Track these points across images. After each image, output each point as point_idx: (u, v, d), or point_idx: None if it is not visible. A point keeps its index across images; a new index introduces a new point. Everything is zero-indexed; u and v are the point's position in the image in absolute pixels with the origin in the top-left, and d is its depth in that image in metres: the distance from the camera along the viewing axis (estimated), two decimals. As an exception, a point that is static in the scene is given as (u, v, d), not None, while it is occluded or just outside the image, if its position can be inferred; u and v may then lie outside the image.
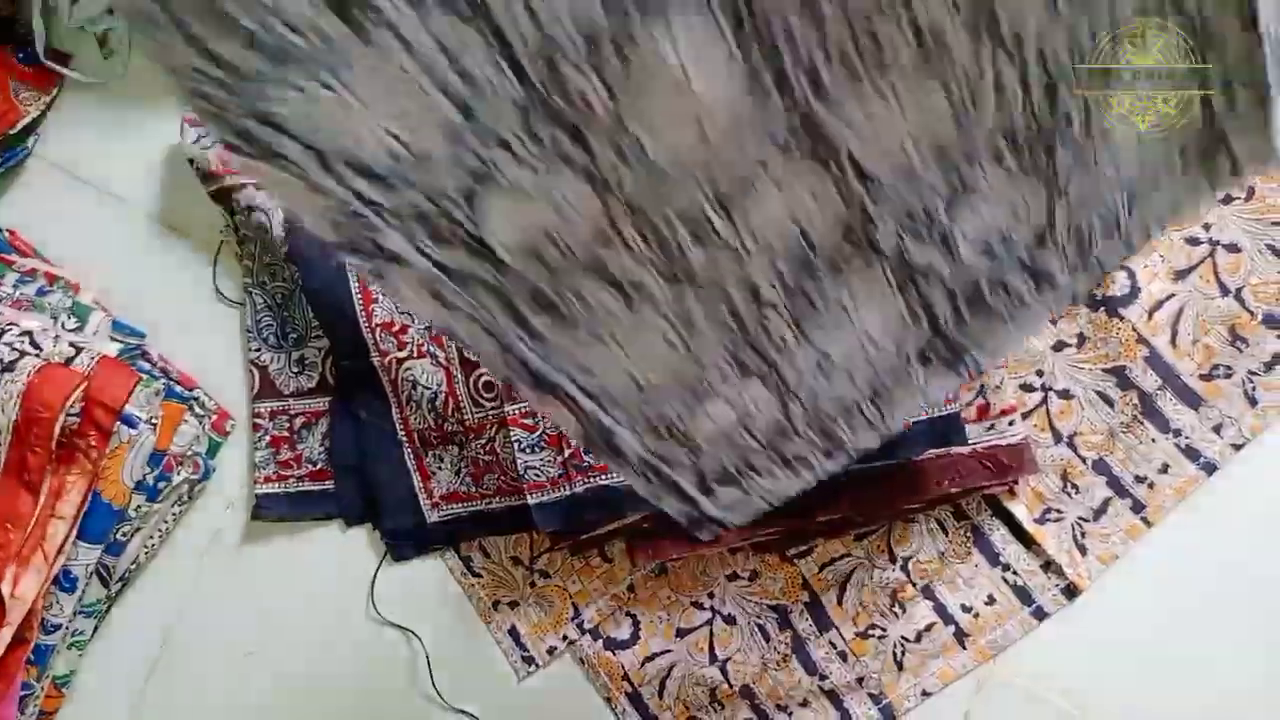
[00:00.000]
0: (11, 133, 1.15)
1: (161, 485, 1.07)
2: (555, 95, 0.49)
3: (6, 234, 1.15)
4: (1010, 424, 0.96)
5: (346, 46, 0.45)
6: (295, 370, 1.11)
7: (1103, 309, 0.99)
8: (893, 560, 1.00)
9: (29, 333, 0.98)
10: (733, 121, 0.52)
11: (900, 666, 0.98)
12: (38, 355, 0.97)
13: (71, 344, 1.00)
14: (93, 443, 0.95)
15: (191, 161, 1.10)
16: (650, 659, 1.03)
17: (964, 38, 0.51)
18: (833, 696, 0.99)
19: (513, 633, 1.06)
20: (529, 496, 0.99)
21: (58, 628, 1.01)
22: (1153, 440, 0.97)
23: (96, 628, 1.09)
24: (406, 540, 1.08)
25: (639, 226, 0.56)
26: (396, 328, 1.05)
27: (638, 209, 0.55)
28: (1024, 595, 0.98)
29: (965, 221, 0.59)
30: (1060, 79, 0.54)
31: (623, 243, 0.56)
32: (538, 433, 1.00)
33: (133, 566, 1.10)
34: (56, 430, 0.93)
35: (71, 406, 0.93)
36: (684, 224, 0.56)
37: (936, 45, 0.51)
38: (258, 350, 1.12)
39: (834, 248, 0.58)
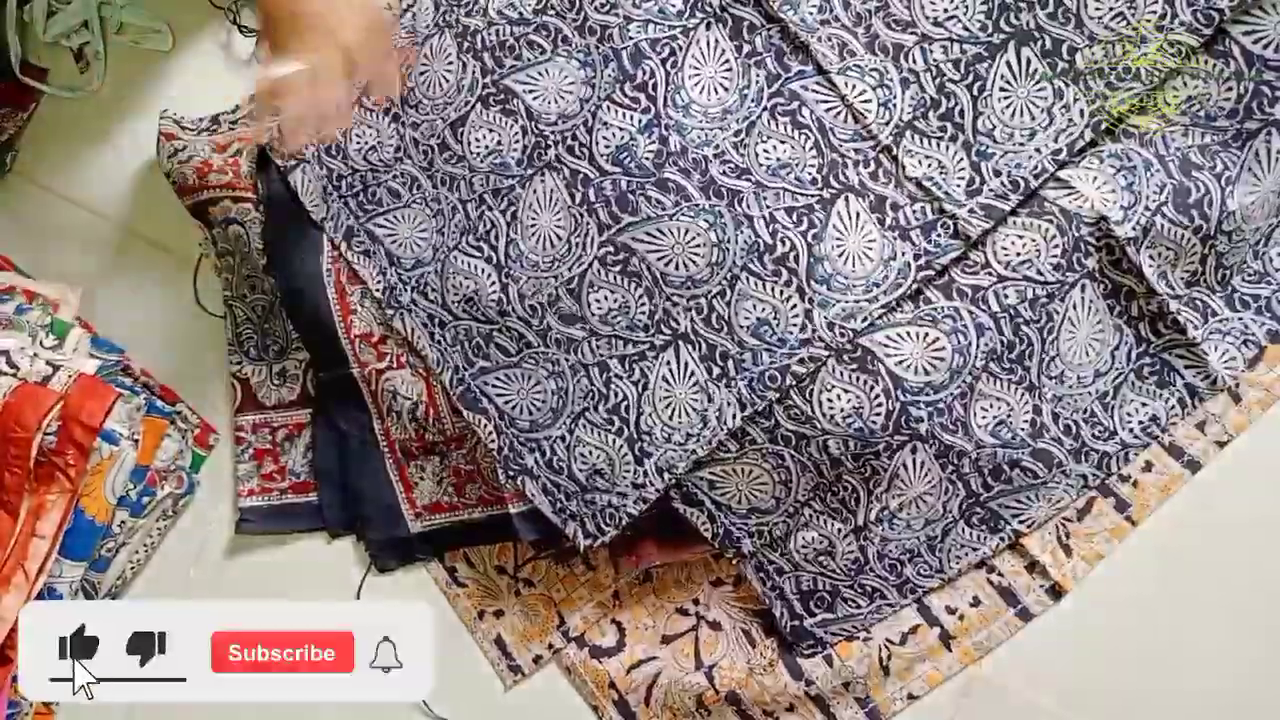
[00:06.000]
0: (-12, 149, 1.15)
1: (145, 500, 1.06)
2: None
3: (-15, 251, 1.15)
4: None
5: None
6: (277, 382, 1.11)
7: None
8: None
9: (5, 352, 0.97)
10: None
11: (886, 670, 0.98)
12: (14, 374, 0.96)
13: (49, 362, 0.99)
14: (71, 461, 0.95)
15: (169, 175, 1.09)
16: (636, 666, 1.02)
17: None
18: (819, 701, 0.99)
19: (499, 642, 1.06)
20: (511, 505, 0.99)
21: (43, 645, 1.01)
22: None
23: (83, 644, 1.10)
24: (390, 551, 1.08)
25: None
26: (375, 338, 1.05)
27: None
28: (1009, 596, 0.97)
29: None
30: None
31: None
32: (518, 442, 0.99)
33: (119, 582, 1.10)
34: (34, 450, 0.93)
35: (48, 426, 0.93)
36: (779, 404, 0.88)
37: None
38: (239, 363, 1.11)
39: (884, 431, 0.87)
